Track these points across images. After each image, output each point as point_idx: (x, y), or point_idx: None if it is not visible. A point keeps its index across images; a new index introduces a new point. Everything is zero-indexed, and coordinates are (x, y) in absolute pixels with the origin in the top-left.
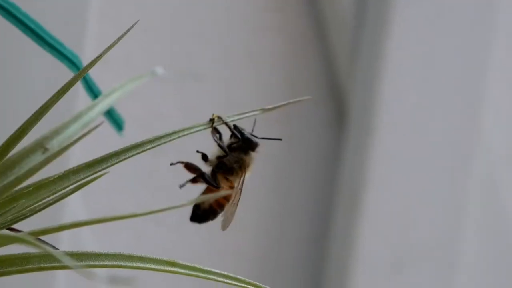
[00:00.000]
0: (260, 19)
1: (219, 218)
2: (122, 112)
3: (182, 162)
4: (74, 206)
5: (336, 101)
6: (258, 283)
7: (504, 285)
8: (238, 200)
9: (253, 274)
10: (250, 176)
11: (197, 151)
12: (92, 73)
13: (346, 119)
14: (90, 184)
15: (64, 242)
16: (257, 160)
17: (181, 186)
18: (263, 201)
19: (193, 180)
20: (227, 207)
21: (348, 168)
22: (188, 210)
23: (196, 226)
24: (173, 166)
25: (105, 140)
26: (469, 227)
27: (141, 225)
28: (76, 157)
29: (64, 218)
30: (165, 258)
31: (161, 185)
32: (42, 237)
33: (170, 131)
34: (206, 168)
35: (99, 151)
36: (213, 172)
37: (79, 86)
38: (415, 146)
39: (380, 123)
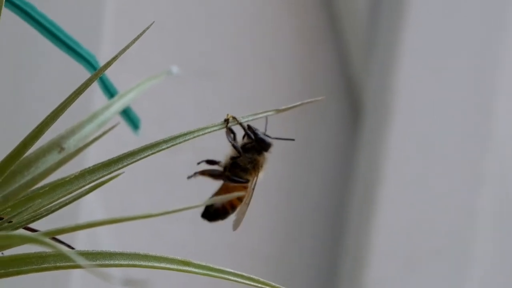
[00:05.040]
0: (274, 16)
1: (231, 217)
2: (138, 111)
3: (199, 173)
4: (91, 205)
5: (351, 98)
6: (273, 283)
7: None
8: (250, 200)
9: (268, 272)
10: (264, 176)
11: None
12: (108, 72)
13: (361, 115)
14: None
15: (82, 240)
16: (273, 158)
17: (189, 177)
18: (278, 199)
19: (202, 172)
20: (239, 207)
21: (363, 164)
22: (202, 208)
23: (211, 224)
24: (190, 178)
25: (122, 139)
26: (484, 226)
27: (156, 223)
28: (92, 156)
29: (80, 216)
30: (179, 258)
31: (176, 183)
32: (60, 236)
33: (185, 131)
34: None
35: (116, 150)
36: (228, 172)
37: (95, 85)
38: (430, 141)
39: (395, 119)
